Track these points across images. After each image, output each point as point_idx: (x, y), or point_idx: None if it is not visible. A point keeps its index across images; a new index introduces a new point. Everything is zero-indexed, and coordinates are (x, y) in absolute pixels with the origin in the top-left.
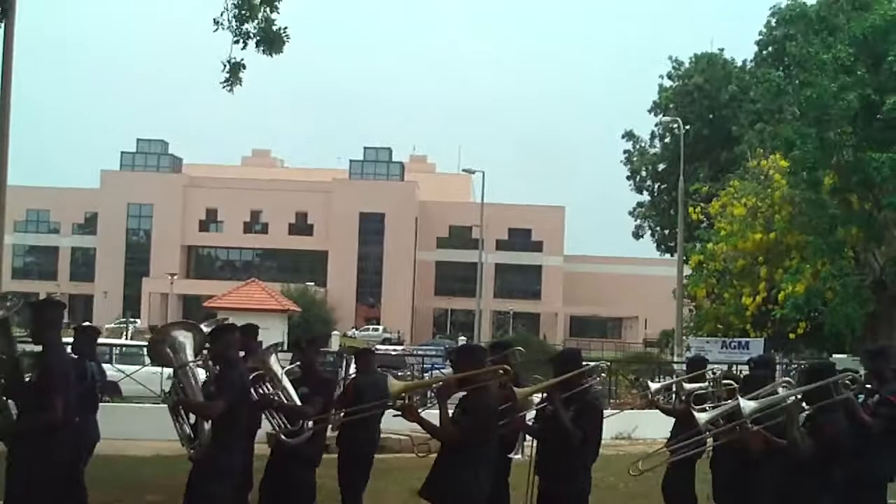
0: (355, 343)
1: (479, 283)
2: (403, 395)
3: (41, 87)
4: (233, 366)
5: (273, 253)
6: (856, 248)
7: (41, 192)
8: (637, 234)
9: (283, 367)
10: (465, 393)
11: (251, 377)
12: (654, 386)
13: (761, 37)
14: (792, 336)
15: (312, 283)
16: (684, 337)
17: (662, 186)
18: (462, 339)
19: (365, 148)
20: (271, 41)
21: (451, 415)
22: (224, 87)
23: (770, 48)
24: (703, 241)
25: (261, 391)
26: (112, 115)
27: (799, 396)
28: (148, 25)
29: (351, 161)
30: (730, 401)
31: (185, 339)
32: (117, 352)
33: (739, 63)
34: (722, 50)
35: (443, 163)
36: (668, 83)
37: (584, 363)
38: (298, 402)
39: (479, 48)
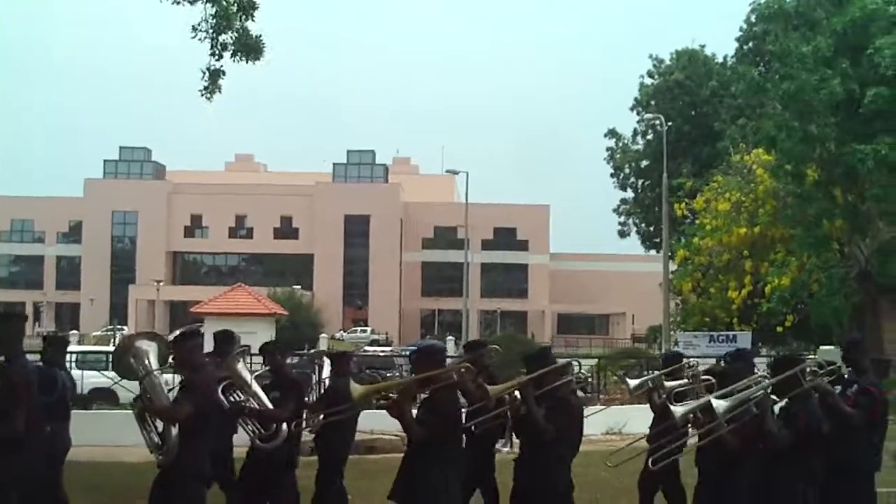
0: (342, 346)
1: (465, 282)
2: (367, 398)
3: (23, 98)
4: (197, 370)
5: (259, 257)
6: (840, 240)
7: (25, 201)
8: (622, 232)
9: (252, 373)
10: (427, 394)
11: (221, 385)
12: (632, 383)
13: (742, 32)
14: (779, 329)
15: (299, 287)
16: (672, 332)
17: (646, 183)
18: (450, 339)
19: (348, 151)
20: (249, 50)
21: (415, 415)
22: (203, 95)
23: (750, 44)
24: (688, 237)
25: (232, 399)
26: (95, 123)
27: (769, 389)
28: (128, 33)
29: (334, 164)
30: (707, 396)
31: (148, 347)
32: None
33: (720, 59)
34: (703, 46)
35: (426, 164)
36: (649, 80)
37: (555, 361)
38: (270, 407)
39: (460, 50)
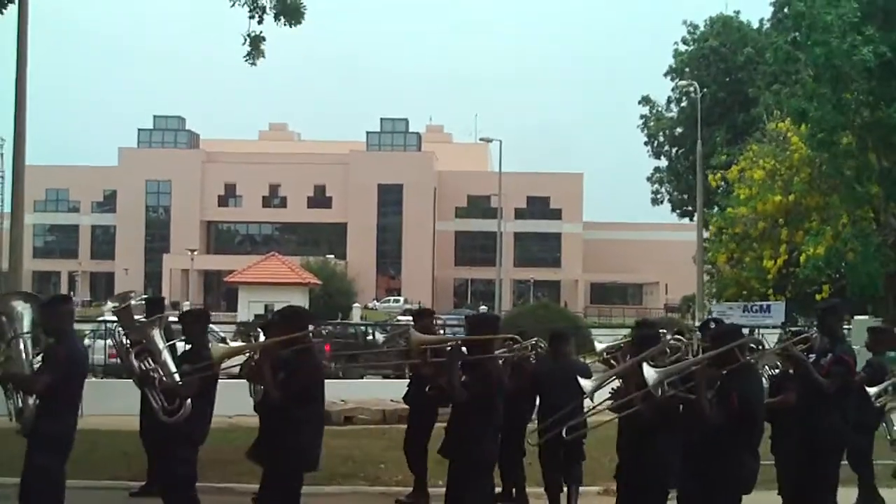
0: (376, 315)
1: (498, 252)
2: (226, 358)
3: (57, 68)
4: (63, 339)
5: (292, 226)
6: (876, 207)
7: (60, 171)
8: (655, 200)
9: (166, 341)
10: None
11: (136, 350)
12: (600, 346)
13: None
14: (818, 297)
15: (332, 256)
16: (706, 302)
17: (680, 151)
18: (483, 308)
19: (382, 119)
20: (290, 12)
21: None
22: (247, 60)
23: (786, 9)
24: (722, 206)
25: (143, 366)
26: (129, 92)
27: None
28: (162, 2)
29: (368, 132)
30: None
31: (23, 309)
32: None
33: (756, 24)
34: (738, 12)
35: (459, 133)
36: (683, 47)
37: (497, 332)
38: (178, 379)
39: (493, 16)
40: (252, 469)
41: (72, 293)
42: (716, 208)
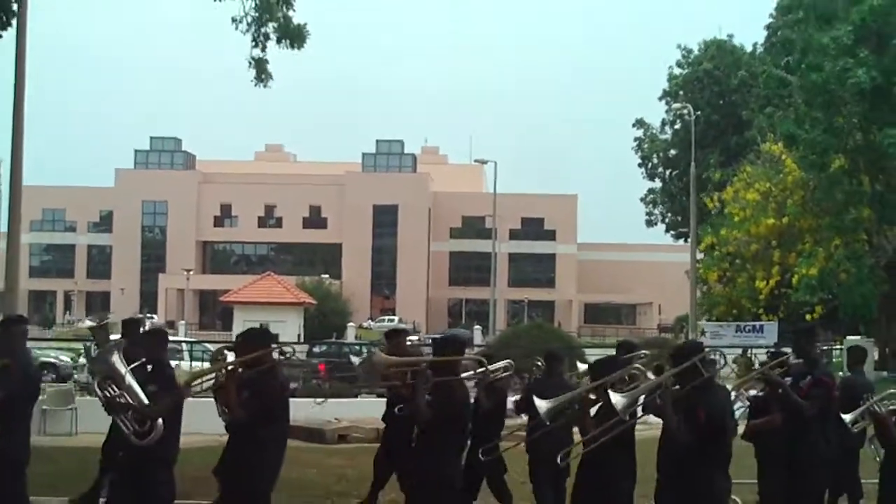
0: (370, 335)
1: (493, 272)
2: (196, 379)
3: (54, 88)
4: (15, 358)
5: (288, 247)
6: (868, 230)
7: (57, 191)
8: (650, 222)
9: (126, 366)
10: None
11: (97, 379)
12: (582, 367)
13: (772, 19)
14: (808, 318)
15: (327, 276)
16: (698, 322)
17: (674, 173)
18: (477, 329)
19: (377, 140)
20: (292, 37)
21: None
22: (256, 83)
23: (779, 33)
24: (716, 227)
25: (107, 394)
26: (126, 114)
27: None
28: (158, 24)
29: (363, 154)
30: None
31: None
32: None
33: (749, 48)
34: (731, 36)
35: (454, 154)
36: (677, 70)
37: (462, 350)
38: (145, 401)
39: (488, 39)
40: None
41: (67, 312)
42: (709, 228)
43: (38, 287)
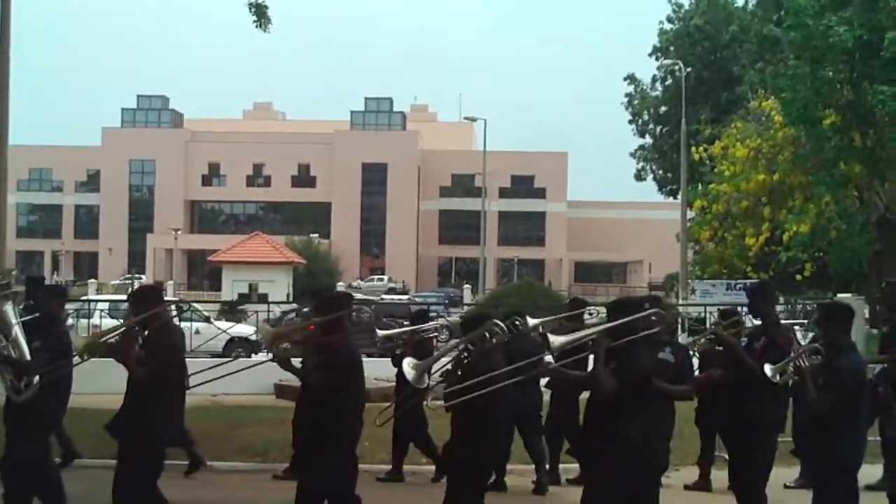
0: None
1: (482, 230)
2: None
3: (40, 46)
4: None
5: (276, 206)
6: (859, 186)
7: (43, 150)
8: (639, 176)
9: (18, 319)
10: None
11: None
12: (532, 322)
13: None
14: (798, 277)
15: (316, 235)
16: (689, 280)
17: (664, 129)
18: (467, 287)
19: (366, 98)
20: None
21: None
22: (257, 27)
23: None
24: (706, 183)
25: None
26: (112, 71)
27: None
28: None
29: (352, 112)
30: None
31: None
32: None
33: (741, 2)
34: None
35: (444, 112)
36: (668, 26)
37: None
38: (28, 356)
39: None
40: (234, 446)
41: (55, 273)
42: (700, 185)
43: (25, 248)
